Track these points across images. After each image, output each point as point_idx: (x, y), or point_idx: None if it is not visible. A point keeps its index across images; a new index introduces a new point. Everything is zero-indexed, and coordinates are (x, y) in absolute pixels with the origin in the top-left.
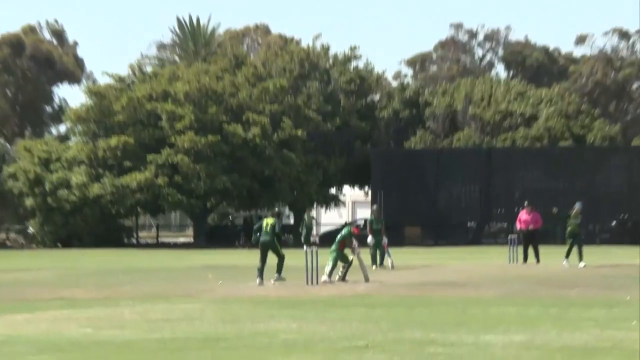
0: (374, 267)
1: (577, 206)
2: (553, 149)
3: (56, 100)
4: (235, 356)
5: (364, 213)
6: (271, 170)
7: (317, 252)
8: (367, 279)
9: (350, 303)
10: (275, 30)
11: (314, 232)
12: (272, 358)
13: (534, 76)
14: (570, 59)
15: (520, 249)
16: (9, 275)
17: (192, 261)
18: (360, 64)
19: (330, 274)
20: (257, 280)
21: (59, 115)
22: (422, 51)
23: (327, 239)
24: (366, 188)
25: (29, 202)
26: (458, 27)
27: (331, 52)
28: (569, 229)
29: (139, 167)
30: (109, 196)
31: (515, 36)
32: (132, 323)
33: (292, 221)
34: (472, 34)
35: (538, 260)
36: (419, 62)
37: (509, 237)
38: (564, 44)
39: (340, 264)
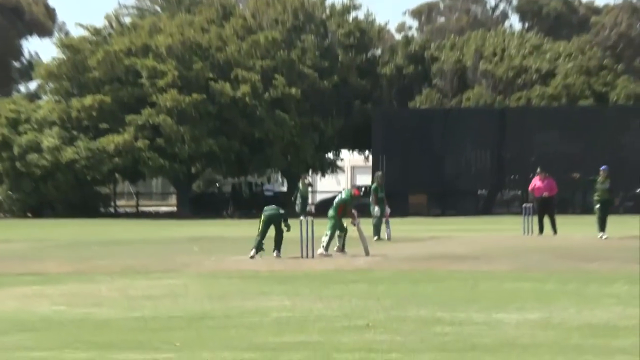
0: (375, 237)
1: (604, 169)
2: (572, 109)
3: (25, 54)
4: (223, 336)
5: (365, 180)
6: (262, 132)
7: (312, 222)
8: (367, 253)
9: (349, 278)
10: None
11: (310, 200)
12: (263, 338)
13: (552, 28)
14: (591, 9)
15: (536, 219)
16: None
17: (176, 232)
18: (360, 15)
19: (327, 247)
20: (252, 252)
21: (28, 71)
22: (428, 0)
23: (323, 208)
24: (367, 152)
25: None
26: None
27: (328, 1)
28: (596, 195)
29: (116, 128)
30: (84, 161)
31: None
32: (110, 300)
33: (285, 189)
34: None
35: (555, 231)
36: (425, 13)
37: (523, 206)
38: None
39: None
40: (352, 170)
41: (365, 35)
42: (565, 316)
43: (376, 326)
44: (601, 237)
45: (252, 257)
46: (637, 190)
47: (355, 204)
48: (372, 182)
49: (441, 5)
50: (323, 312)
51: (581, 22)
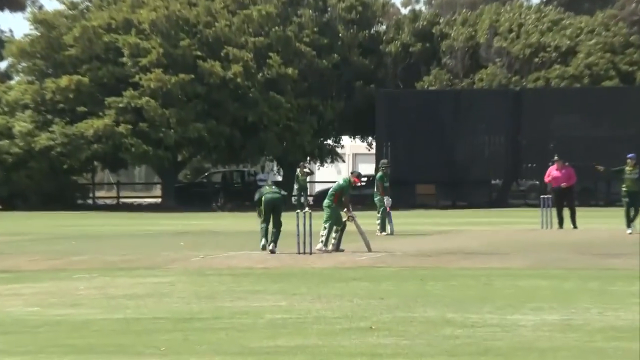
0: (383, 233)
1: (631, 157)
2: (595, 90)
3: None
4: (212, 339)
5: (368, 169)
6: (255, 116)
7: (310, 215)
8: (369, 248)
9: (350, 276)
10: None
11: (308, 192)
12: (257, 342)
13: (573, 2)
14: None
15: (554, 212)
16: None
17: (161, 226)
18: None
19: (326, 241)
20: (262, 242)
21: None
22: None
23: (321, 200)
24: (370, 138)
25: None
26: None
27: None
28: (624, 187)
29: (95, 112)
30: (60, 147)
31: None
32: (89, 300)
33: (280, 178)
34: None
35: (575, 225)
36: None
37: (541, 197)
38: None
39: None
40: (353, 158)
41: (369, 9)
42: (586, 317)
43: (380, 328)
44: (630, 233)
45: (266, 248)
46: None
47: (351, 194)
48: (377, 170)
49: None
50: (322, 313)
51: None
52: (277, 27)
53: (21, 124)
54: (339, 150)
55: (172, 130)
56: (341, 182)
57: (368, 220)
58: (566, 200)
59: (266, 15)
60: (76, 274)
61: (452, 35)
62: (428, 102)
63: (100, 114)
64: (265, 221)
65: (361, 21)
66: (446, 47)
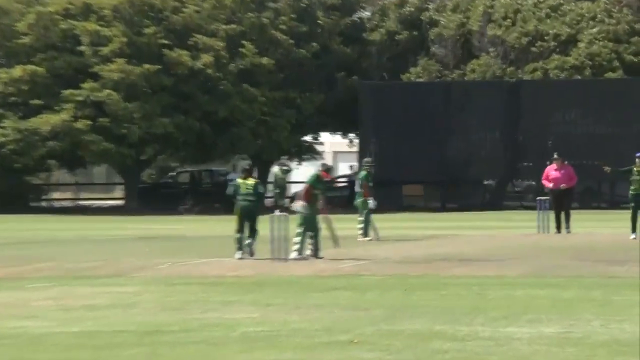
0: (366, 238)
1: (639, 157)
2: (598, 83)
3: None
4: (181, 354)
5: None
6: (227, 110)
7: (287, 218)
8: (336, 243)
9: (331, 285)
10: None
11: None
12: (229, 356)
13: None
14: None
15: (552, 215)
16: None
17: (123, 230)
18: None
19: (301, 248)
20: (238, 255)
21: None
22: None
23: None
24: (352, 135)
25: None
26: None
27: None
28: (631, 189)
29: (51, 106)
30: (12, 145)
31: None
32: (45, 311)
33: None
34: None
35: (568, 228)
36: None
37: (537, 199)
38: None
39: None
40: (334, 156)
41: None
42: (587, 330)
43: (362, 342)
44: (634, 238)
45: (240, 258)
46: None
47: (325, 190)
48: (360, 169)
49: None
50: (299, 326)
51: None
52: (251, 13)
53: None
54: (318, 147)
55: (136, 126)
56: (310, 177)
57: (348, 224)
58: (565, 202)
59: (239, 1)
60: (32, 283)
61: (442, 22)
62: (416, 95)
63: (57, 108)
64: (240, 230)
65: (343, 7)
66: (435, 36)
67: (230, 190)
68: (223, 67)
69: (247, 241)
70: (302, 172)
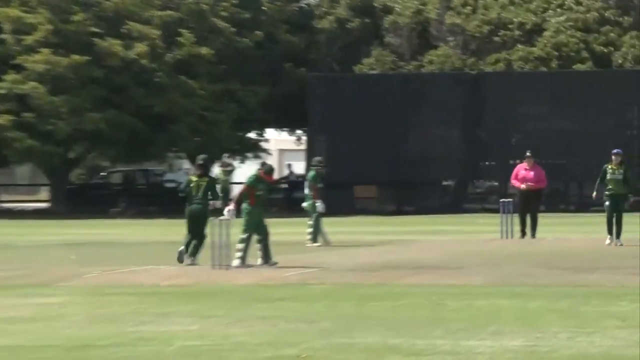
0: (315, 244)
1: (617, 153)
2: (565, 75)
3: None
4: None
5: (297, 167)
6: (164, 104)
7: (228, 223)
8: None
9: (276, 295)
10: None
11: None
12: None
13: None
14: None
15: (517, 219)
16: None
17: (49, 235)
18: None
19: (244, 257)
20: (180, 248)
21: None
22: None
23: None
24: (299, 131)
25: None
26: None
27: None
28: (607, 189)
29: None
30: None
31: None
32: None
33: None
34: None
35: (534, 234)
36: None
37: (500, 202)
38: None
39: (260, 241)
40: (280, 154)
41: None
42: (554, 343)
43: (311, 357)
44: (611, 243)
45: (182, 260)
46: None
47: (268, 192)
48: (308, 169)
49: None
50: (242, 339)
51: None
52: None
53: None
54: (263, 144)
55: (64, 122)
56: (249, 178)
57: (295, 228)
58: (533, 204)
59: None
60: None
61: (396, 9)
62: (369, 88)
63: None
64: (190, 233)
65: None
66: (390, 24)
67: (182, 186)
68: (159, 58)
69: (182, 248)
70: (245, 172)
